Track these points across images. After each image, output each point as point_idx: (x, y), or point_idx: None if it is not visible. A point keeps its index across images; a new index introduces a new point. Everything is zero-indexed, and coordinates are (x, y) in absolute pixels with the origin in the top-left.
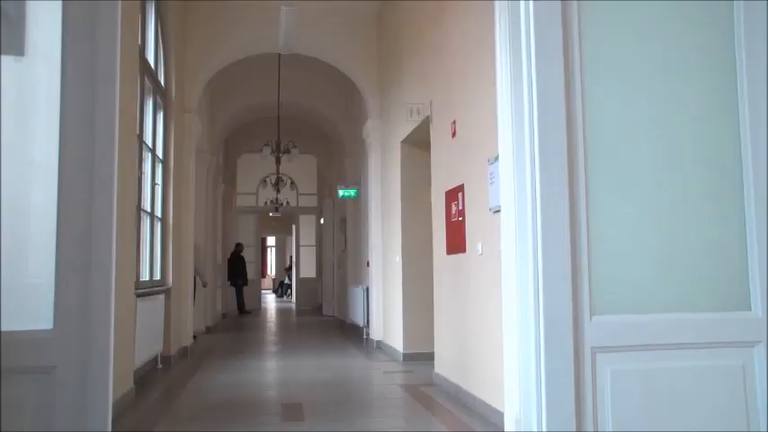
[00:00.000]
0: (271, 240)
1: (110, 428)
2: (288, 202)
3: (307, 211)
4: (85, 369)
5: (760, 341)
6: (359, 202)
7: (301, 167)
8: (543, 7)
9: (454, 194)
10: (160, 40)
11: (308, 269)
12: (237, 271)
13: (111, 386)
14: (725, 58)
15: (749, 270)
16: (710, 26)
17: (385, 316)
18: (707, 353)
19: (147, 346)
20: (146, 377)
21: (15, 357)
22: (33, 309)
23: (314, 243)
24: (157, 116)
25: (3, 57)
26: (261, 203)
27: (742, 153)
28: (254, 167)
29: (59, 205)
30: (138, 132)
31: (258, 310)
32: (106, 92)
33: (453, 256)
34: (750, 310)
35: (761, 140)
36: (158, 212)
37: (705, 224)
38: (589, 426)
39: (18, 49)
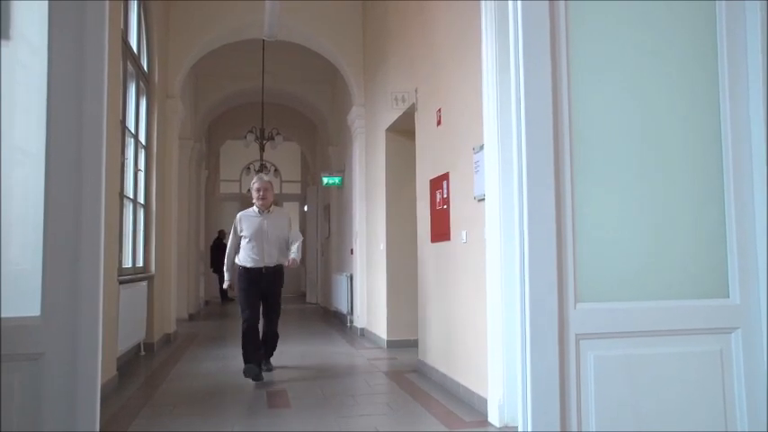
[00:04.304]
0: None
1: (98, 415)
2: None
3: (290, 198)
4: (74, 355)
5: (737, 327)
6: (343, 190)
7: (285, 154)
8: (531, 7)
9: (439, 183)
10: (143, 25)
11: None
12: (220, 258)
13: (99, 372)
14: (707, 55)
15: (728, 258)
16: (693, 23)
17: (369, 303)
18: (687, 339)
19: (130, 333)
20: (129, 364)
21: (3, 345)
22: (19, 295)
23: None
24: (140, 101)
25: None
26: (244, 190)
27: (722, 145)
28: (238, 154)
29: (46, 192)
30: (120, 118)
31: None
32: (94, 78)
33: (438, 244)
34: (728, 297)
35: (741, 133)
36: (141, 199)
37: (686, 214)
38: (573, 410)
39: (4, 32)
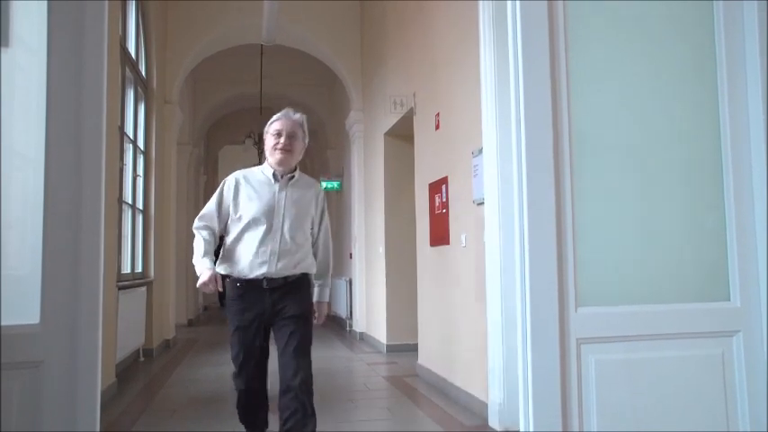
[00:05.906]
0: None
1: (99, 421)
2: None
3: None
4: (73, 363)
5: (739, 330)
6: (342, 194)
7: None
8: (529, 7)
9: (438, 186)
10: (141, 31)
11: None
12: None
13: (99, 380)
14: (706, 56)
15: (728, 261)
16: (692, 25)
17: (368, 307)
18: (688, 342)
19: (129, 338)
20: (128, 370)
21: (2, 353)
22: (18, 301)
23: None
24: (138, 107)
25: None
26: None
27: (722, 148)
28: (236, 159)
29: (45, 197)
30: (119, 124)
31: None
32: (93, 82)
33: (437, 248)
34: (729, 300)
35: (740, 135)
36: (140, 204)
37: (686, 217)
38: (574, 414)
39: (3, 39)
